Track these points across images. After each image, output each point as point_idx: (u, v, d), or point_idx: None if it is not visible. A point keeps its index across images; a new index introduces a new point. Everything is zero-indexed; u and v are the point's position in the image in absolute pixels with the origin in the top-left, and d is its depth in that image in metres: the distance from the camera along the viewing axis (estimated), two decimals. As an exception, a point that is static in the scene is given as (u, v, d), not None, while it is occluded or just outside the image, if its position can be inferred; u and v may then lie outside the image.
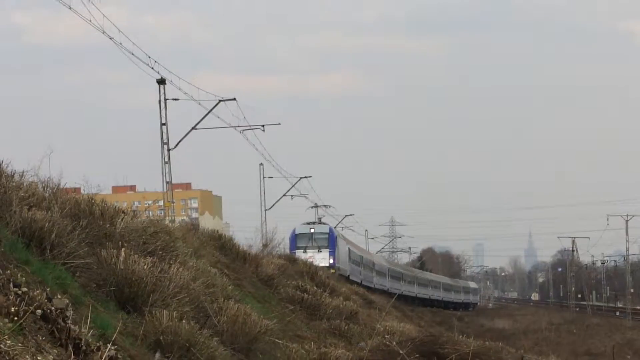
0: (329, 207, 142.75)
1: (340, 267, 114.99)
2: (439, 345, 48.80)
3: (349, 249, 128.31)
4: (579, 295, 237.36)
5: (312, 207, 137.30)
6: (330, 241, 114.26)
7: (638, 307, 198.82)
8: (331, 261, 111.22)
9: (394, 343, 43.61)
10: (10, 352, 15.37)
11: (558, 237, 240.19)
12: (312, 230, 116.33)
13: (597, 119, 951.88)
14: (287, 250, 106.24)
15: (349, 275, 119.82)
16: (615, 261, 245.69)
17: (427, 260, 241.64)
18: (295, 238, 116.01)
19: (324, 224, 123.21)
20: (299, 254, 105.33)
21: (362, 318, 63.66)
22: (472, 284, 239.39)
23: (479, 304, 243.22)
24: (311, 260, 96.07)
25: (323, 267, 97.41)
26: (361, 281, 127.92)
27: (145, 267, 29.28)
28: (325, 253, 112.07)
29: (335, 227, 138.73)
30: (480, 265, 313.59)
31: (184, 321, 27.00)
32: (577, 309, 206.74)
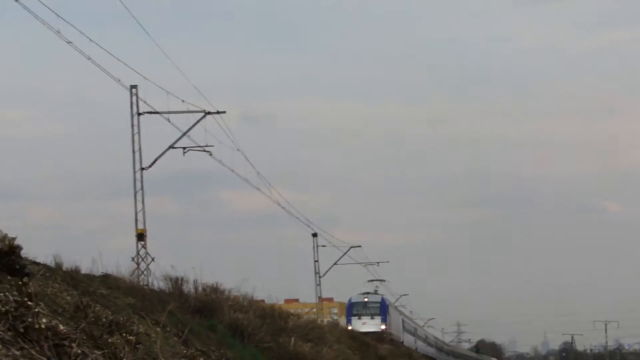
0: (385, 281, 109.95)
1: (392, 332, 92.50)
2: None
3: (403, 320, 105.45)
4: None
5: (369, 280, 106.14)
6: (382, 309, 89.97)
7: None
8: (382, 327, 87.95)
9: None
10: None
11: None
12: (365, 299, 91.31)
13: None
14: None
15: (402, 341, 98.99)
16: None
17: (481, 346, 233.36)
18: (351, 306, 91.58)
19: (377, 294, 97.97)
20: (354, 320, 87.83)
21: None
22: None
23: None
24: (365, 325, 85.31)
25: (375, 331, 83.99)
26: (416, 348, 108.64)
27: (306, 349, 29.44)
28: (377, 320, 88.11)
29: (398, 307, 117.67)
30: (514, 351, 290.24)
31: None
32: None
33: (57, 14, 33.20)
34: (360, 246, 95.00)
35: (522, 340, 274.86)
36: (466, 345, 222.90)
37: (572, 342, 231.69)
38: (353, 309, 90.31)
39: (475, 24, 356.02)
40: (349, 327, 79.60)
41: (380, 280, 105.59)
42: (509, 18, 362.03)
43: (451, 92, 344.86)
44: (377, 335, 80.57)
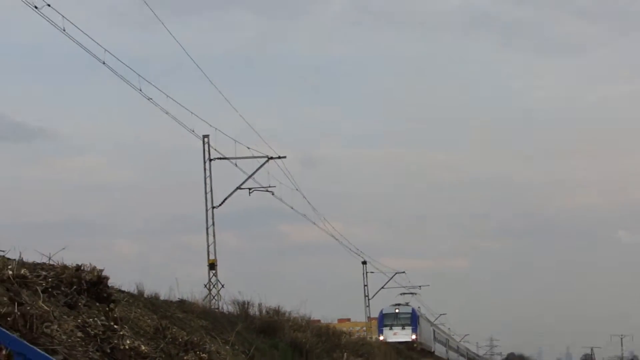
0: (416, 294, 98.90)
1: (422, 342, 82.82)
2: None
3: (434, 330, 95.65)
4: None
5: (401, 293, 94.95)
6: (413, 320, 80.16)
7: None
8: (413, 337, 78.60)
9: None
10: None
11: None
12: (397, 311, 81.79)
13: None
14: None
15: (433, 351, 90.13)
16: None
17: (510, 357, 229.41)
18: (383, 317, 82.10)
19: (408, 305, 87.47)
20: (386, 330, 79.26)
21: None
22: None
23: None
24: (396, 335, 77.29)
25: (407, 341, 76.49)
26: (447, 358, 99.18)
27: None
28: (408, 330, 78.47)
29: (433, 322, 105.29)
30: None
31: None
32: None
33: (138, 74, 33.59)
34: (404, 272, 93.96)
35: (547, 353, 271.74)
36: (498, 358, 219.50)
37: (591, 354, 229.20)
38: (385, 320, 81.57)
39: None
40: (381, 338, 73.90)
41: (412, 293, 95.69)
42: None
43: (476, 138, 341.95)
44: (408, 345, 74.37)
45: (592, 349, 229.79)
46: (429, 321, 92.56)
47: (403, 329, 79.36)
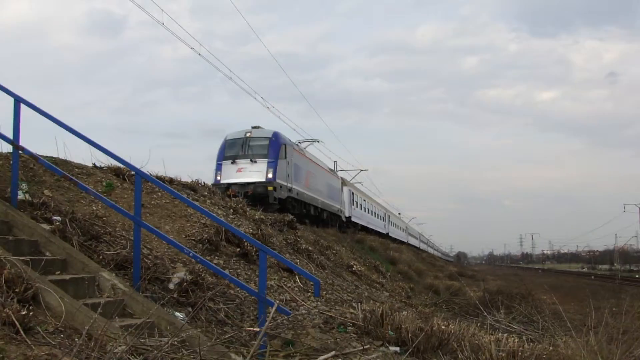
0: (319, 141, 16.92)
1: (300, 190, 12.22)
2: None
3: (352, 192, 20.09)
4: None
5: (300, 141, 15.89)
6: (272, 149, 9.67)
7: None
8: (269, 176, 9.72)
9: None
10: (339, 252, 14.25)
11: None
12: (247, 135, 10.00)
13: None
14: None
15: (349, 216, 20.66)
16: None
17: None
18: (224, 146, 10.16)
19: (270, 130, 10.57)
20: (226, 165, 10.20)
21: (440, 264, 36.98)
22: (446, 251, 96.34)
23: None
24: (241, 172, 10.55)
25: (256, 182, 9.81)
26: (387, 232, 30.34)
27: (396, 255, 27.07)
28: (261, 165, 9.53)
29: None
30: (471, 256, 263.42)
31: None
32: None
33: (295, 131, 32.79)
34: (416, 217, 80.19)
35: (473, 251, 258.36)
36: (453, 253, 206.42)
37: (492, 252, 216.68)
38: (226, 151, 11.99)
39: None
40: (218, 179, 12.10)
41: (315, 140, 19.88)
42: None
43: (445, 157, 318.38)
44: (261, 192, 11.13)
45: (492, 250, 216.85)
46: (333, 172, 20.63)
47: (253, 162, 12.22)
